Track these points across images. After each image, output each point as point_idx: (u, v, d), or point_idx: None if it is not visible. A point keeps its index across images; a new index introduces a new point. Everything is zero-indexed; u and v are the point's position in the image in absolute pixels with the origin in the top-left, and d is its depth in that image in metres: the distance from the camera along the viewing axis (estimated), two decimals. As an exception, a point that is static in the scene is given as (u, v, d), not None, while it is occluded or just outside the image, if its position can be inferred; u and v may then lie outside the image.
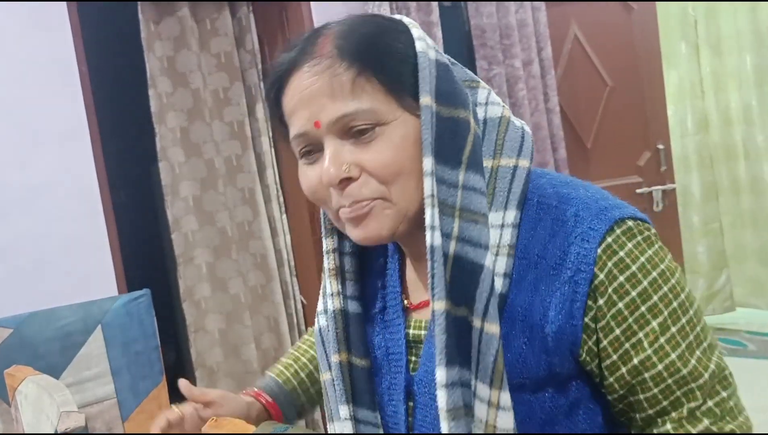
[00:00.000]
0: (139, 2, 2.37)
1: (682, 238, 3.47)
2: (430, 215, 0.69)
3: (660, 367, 0.71)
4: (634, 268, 0.71)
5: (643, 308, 0.71)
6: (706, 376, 0.72)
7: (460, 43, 3.13)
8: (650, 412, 0.74)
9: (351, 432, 0.80)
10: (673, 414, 0.72)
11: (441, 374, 0.68)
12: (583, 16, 3.19)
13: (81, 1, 2.16)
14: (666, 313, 0.71)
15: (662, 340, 0.71)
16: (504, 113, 0.78)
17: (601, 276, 0.71)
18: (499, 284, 0.72)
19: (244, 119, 2.56)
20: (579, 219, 0.73)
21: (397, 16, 0.77)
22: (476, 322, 0.70)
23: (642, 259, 0.72)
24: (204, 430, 0.79)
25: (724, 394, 0.73)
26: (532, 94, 3.01)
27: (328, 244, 0.83)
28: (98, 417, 1.80)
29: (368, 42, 0.72)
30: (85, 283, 2.06)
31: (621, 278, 0.71)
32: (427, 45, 0.73)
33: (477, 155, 0.73)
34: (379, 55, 0.71)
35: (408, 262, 0.85)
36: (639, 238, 0.73)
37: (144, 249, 3.46)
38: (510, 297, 0.73)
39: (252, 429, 0.73)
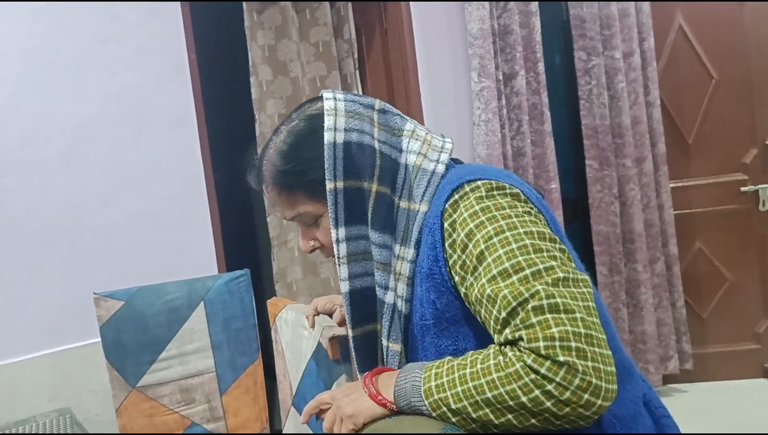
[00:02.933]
0: (244, -8, 2.45)
1: (789, 241, 3.27)
2: (343, 270, 0.94)
3: (476, 291, 0.80)
4: (465, 214, 0.85)
5: (468, 244, 0.82)
6: (514, 303, 0.75)
7: (559, 34, 3.07)
8: (492, 334, 0.79)
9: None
10: (497, 336, 0.77)
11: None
12: (690, 6, 3.05)
13: (191, -8, 2.26)
14: (483, 246, 0.81)
15: (480, 268, 0.80)
16: (416, 162, 0.94)
17: (446, 225, 0.86)
18: (401, 305, 0.92)
19: (339, 107, 2.61)
20: (444, 185, 0.91)
21: (323, 96, 0.97)
22: (383, 341, 0.96)
23: (476, 207, 0.84)
24: None
25: (519, 321, 0.74)
26: (631, 87, 2.91)
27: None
28: (198, 388, 1.90)
29: (285, 168, 0.97)
30: (189, 260, 2.17)
31: (457, 222, 0.85)
32: (336, 129, 0.93)
33: (379, 217, 0.92)
34: (296, 176, 0.96)
35: None
36: (482, 192, 0.86)
37: (241, 230, 3.59)
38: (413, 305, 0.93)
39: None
